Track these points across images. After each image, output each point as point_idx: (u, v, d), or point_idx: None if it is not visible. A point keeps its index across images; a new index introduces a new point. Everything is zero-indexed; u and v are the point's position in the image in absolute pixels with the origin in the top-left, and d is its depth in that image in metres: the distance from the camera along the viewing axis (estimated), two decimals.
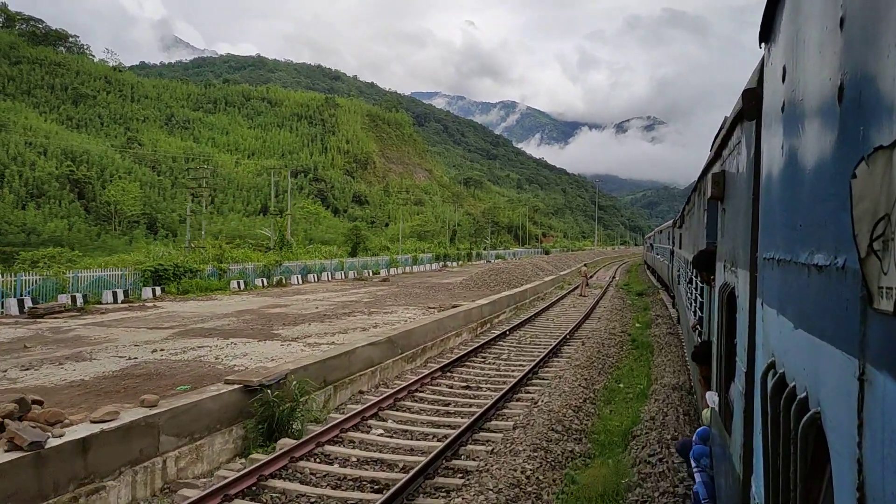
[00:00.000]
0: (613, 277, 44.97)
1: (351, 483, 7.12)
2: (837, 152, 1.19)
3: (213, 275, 28.95)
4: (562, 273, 42.70)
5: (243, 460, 7.80)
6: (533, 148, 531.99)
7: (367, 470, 7.46)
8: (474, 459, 7.82)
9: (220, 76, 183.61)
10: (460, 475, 7.36)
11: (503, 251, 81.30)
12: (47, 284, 20.84)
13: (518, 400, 10.83)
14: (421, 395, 11.03)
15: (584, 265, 37.82)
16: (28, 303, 19.46)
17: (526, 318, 21.09)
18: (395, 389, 10.84)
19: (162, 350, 13.13)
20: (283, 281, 33.04)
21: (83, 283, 22.21)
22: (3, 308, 19.13)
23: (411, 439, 8.66)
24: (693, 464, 4.47)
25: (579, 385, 11.90)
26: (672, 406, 10.79)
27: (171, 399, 7.58)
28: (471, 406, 10.41)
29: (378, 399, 10.05)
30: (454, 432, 8.50)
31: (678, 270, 16.09)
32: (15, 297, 19.59)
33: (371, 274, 42.52)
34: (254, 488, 6.76)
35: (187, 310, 20.64)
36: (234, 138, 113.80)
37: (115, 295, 22.30)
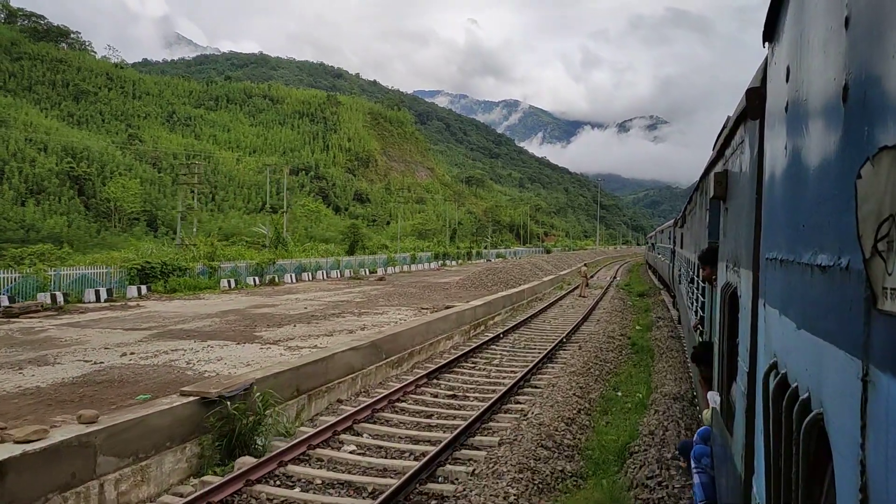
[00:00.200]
0: (614, 277, 44.15)
1: None
2: (841, 152, 1.18)
3: (204, 273, 28.24)
4: (561, 273, 41.87)
5: (196, 481, 7.06)
6: (535, 147, 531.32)
7: (330, 495, 6.70)
8: (453, 482, 7.07)
9: (222, 73, 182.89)
10: (435, 502, 6.61)
11: (504, 250, 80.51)
12: (28, 282, 20.14)
13: (507, 412, 10.06)
14: (402, 405, 10.26)
15: (585, 265, 36.98)
16: (4, 301, 18.76)
17: (522, 319, 20.32)
18: (374, 399, 10.07)
19: (132, 354, 12.41)
20: (276, 280, 32.32)
21: (66, 282, 21.51)
22: None
23: (386, 457, 7.90)
24: (693, 463, 4.40)
25: (574, 394, 11.14)
26: (673, 419, 10.02)
27: (113, 414, 6.83)
28: (455, 418, 9.65)
29: (354, 411, 9.29)
30: (434, 449, 7.74)
31: (679, 270, 15.78)
32: None
33: (368, 273, 41.80)
34: None
35: (170, 309, 19.92)
36: (236, 135, 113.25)
37: (97, 294, 21.59)
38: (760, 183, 2.43)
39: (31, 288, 20.09)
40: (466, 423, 8.90)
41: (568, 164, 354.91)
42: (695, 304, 8.68)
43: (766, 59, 2.44)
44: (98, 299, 21.55)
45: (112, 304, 21.12)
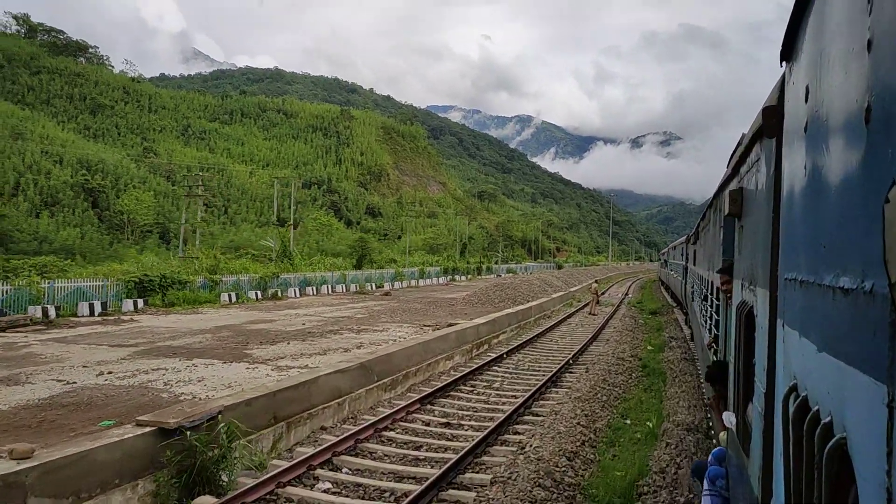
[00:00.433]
0: (626, 294, 43.04)
1: None
2: (865, 175, 1.19)
3: (205, 286, 27.69)
4: (571, 289, 40.87)
5: None
6: (548, 162, 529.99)
7: None
8: None
9: (238, 88, 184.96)
10: None
11: (515, 265, 79.53)
12: (20, 295, 19.65)
13: (503, 443, 9.22)
14: (390, 434, 9.45)
15: (595, 281, 35.97)
16: None
17: (528, 338, 19.44)
18: (359, 427, 9.27)
19: (110, 373, 11.74)
20: (279, 294, 31.69)
21: (60, 294, 21.01)
22: None
23: (363, 497, 7.10)
24: (707, 485, 4.25)
25: (578, 423, 10.28)
26: (686, 454, 9.15)
27: (52, 449, 6.11)
28: (446, 450, 8.81)
29: (334, 441, 8.50)
30: (417, 489, 6.94)
31: (692, 287, 15.52)
32: None
33: (374, 287, 41.12)
34: None
35: (163, 324, 19.30)
36: (249, 149, 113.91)
37: (91, 307, 21.04)
38: (777, 201, 2.43)
39: (23, 301, 19.59)
40: (458, 455, 8.09)
41: (580, 179, 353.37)
42: (708, 321, 8.48)
43: (783, 77, 2.45)
44: (92, 313, 21.00)
45: (105, 318, 20.56)
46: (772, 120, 2.57)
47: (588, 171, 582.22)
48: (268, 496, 6.86)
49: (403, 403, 10.91)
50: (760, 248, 2.86)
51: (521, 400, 11.25)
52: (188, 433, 6.84)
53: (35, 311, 19.05)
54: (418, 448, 8.91)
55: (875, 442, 1.03)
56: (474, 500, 6.99)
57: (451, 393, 12.26)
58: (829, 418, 1.34)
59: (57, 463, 5.72)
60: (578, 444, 9.33)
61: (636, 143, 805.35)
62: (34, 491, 5.52)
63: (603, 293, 40.51)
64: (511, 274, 64.87)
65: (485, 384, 13.24)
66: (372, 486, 7.36)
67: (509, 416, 10.21)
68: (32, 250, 43.00)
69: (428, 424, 10.10)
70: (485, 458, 8.51)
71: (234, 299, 28.20)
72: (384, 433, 9.44)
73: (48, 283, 20.88)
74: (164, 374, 11.69)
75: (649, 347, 19.09)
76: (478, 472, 7.94)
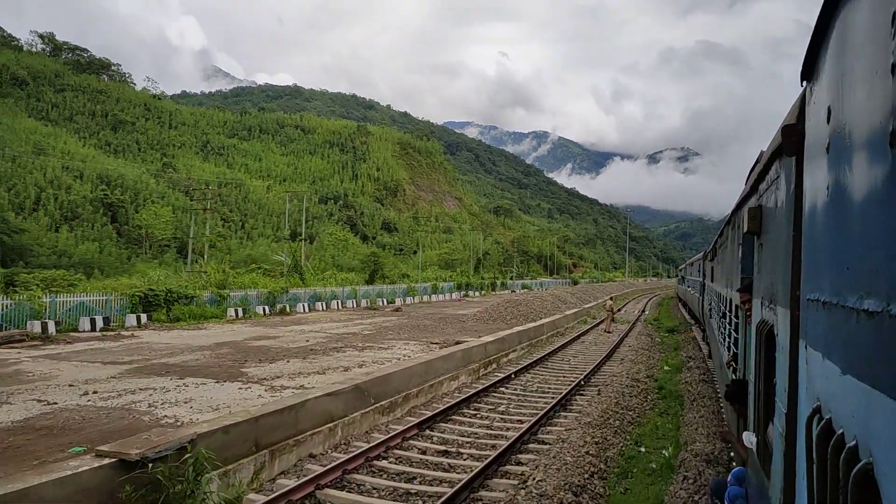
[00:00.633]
0: (643, 311, 41.90)
1: None
2: (889, 197, 1.18)
3: (212, 301, 27.31)
4: (586, 306, 39.88)
5: None
6: (564, 177, 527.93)
7: None
8: None
9: (257, 105, 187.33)
10: None
11: (530, 281, 78.50)
12: (21, 309, 19.37)
13: (504, 475, 8.47)
14: (381, 463, 8.75)
15: (611, 298, 34.97)
16: None
17: (538, 357, 18.63)
18: (348, 456, 8.60)
19: (95, 393, 11.23)
20: (287, 309, 31.23)
21: (63, 309, 20.72)
22: None
23: None
24: None
25: (587, 452, 9.50)
26: (705, 491, 8.31)
27: None
28: (441, 483, 8.09)
29: (319, 472, 7.83)
30: None
31: (710, 304, 15.24)
32: None
33: (385, 303, 40.53)
34: None
35: (164, 341, 18.85)
36: (267, 164, 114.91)
37: (93, 322, 20.70)
38: (798, 220, 2.43)
39: (23, 315, 19.30)
40: (453, 490, 7.38)
41: (597, 195, 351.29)
42: (727, 339, 8.35)
43: (804, 96, 2.46)
44: (94, 328, 20.66)
45: (105, 333, 20.17)
46: (791, 138, 2.56)
47: (605, 187, 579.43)
48: None
49: (400, 429, 10.21)
50: (781, 267, 2.84)
51: (526, 426, 10.50)
52: (150, 465, 6.23)
53: (33, 326, 18.73)
54: (411, 480, 8.20)
55: None
56: None
57: (453, 417, 11.54)
58: (854, 442, 1.33)
59: None
60: (587, 475, 8.55)
61: (653, 158, 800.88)
62: None
63: (619, 310, 39.46)
64: (526, 289, 63.92)
65: (489, 407, 12.49)
66: None
67: (512, 444, 9.46)
68: (52, 264, 43.27)
69: (424, 452, 9.39)
70: (482, 492, 7.77)
71: (240, 315, 27.77)
72: (375, 462, 8.74)
73: (50, 297, 20.60)
74: (151, 395, 11.15)
75: (666, 368, 18.19)
76: None
